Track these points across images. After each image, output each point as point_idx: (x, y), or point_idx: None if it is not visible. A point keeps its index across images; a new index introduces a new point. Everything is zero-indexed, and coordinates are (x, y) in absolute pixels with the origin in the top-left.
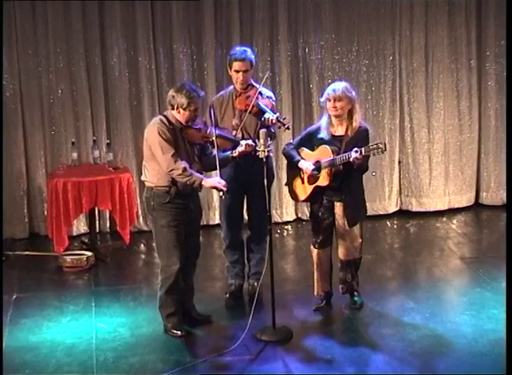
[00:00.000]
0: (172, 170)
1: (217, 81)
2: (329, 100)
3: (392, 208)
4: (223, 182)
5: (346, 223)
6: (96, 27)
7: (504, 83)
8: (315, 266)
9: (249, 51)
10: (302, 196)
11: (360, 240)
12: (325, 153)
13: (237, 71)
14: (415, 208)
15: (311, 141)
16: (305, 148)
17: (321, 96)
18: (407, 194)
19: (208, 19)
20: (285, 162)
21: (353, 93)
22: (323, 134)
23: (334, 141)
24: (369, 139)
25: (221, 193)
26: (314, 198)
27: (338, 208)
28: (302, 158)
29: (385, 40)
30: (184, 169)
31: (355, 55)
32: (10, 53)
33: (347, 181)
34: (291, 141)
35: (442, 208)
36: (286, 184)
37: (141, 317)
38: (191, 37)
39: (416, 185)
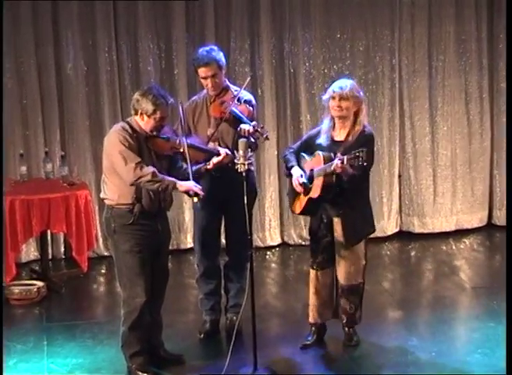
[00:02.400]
0: (139, 179)
1: (189, 84)
2: (333, 98)
3: (392, 230)
4: (199, 186)
5: (344, 241)
6: (48, 21)
7: None
8: (312, 290)
9: (214, 50)
10: (298, 209)
11: (363, 262)
12: (318, 160)
13: (204, 78)
14: (418, 229)
15: (310, 146)
16: (305, 155)
17: (325, 93)
18: (408, 213)
19: (177, 12)
20: (268, 176)
21: (361, 93)
22: (322, 139)
23: (333, 146)
24: (374, 146)
25: (196, 199)
26: (310, 211)
27: (337, 224)
28: (299, 165)
29: (382, 35)
30: (154, 174)
31: (349, 53)
32: None
33: (345, 194)
34: (291, 145)
35: (448, 230)
36: (287, 194)
37: (101, 357)
38: (159, 33)
39: (418, 203)
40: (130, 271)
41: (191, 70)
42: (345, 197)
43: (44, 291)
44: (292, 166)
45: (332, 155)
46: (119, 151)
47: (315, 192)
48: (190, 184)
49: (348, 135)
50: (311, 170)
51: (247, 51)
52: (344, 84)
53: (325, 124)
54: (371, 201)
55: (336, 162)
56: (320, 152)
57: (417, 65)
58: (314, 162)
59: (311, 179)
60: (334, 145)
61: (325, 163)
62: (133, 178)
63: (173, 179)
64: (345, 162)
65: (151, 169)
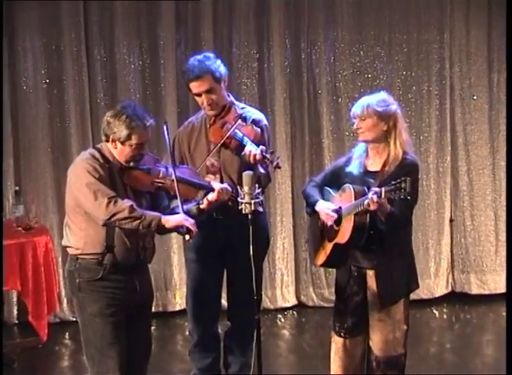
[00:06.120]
0: (113, 216)
1: (179, 101)
2: (354, 118)
3: (441, 290)
4: (192, 220)
5: (379, 300)
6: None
7: None
8: (338, 364)
9: (209, 58)
10: (320, 259)
11: (404, 327)
12: (347, 196)
13: (197, 94)
14: (475, 289)
15: (338, 177)
16: (330, 190)
17: None
18: (462, 269)
19: (165, 9)
20: (280, 218)
21: (392, 107)
22: (353, 167)
23: (366, 177)
24: (418, 178)
25: (187, 236)
26: (335, 262)
27: (371, 278)
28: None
29: (429, 40)
30: (131, 209)
31: (385, 63)
32: None
33: (382, 239)
34: (313, 177)
35: None
36: (307, 241)
37: None
38: (141, 35)
39: (476, 255)
40: (100, 339)
41: (182, 83)
42: (381, 243)
43: None
44: (316, 201)
45: (366, 189)
46: (86, 183)
47: (343, 236)
48: (180, 218)
49: (384, 164)
50: (340, 208)
51: (253, 58)
52: (366, 101)
53: (358, 150)
54: (415, 253)
55: (371, 196)
56: (350, 186)
57: (473, 78)
58: (344, 198)
59: (338, 220)
60: (367, 176)
61: (356, 199)
62: (106, 216)
63: (157, 213)
64: (382, 195)
65: (127, 202)
